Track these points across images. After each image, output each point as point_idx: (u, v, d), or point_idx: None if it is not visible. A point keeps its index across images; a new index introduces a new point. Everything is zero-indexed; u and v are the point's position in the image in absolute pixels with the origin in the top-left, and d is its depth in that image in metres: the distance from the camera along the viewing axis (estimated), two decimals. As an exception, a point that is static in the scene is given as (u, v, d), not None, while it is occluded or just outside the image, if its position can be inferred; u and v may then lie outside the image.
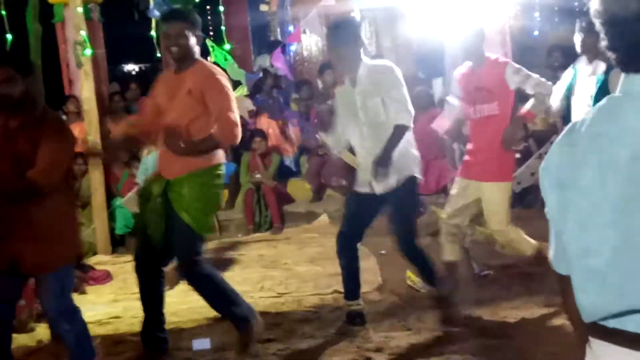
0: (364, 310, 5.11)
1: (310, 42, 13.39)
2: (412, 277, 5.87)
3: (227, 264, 7.27)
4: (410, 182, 4.83)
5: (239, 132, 4.36)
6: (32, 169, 3.68)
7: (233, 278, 6.61)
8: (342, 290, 5.59)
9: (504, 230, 5.18)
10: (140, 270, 4.57)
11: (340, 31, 4.74)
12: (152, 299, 4.60)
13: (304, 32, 9.09)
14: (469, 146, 5.35)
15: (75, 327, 4.06)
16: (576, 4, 13.72)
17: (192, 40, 4.33)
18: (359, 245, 5.11)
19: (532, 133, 8.27)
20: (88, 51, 5.92)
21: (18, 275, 3.90)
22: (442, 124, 5.65)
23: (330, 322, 5.17)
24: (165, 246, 4.42)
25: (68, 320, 4.02)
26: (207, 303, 4.63)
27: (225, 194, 9.56)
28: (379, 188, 4.80)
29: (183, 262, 4.50)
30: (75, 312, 4.07)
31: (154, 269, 4.56)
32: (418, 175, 4.90)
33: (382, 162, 4.62)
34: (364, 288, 5.82)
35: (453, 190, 5.37)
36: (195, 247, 4.41)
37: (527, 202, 8.35)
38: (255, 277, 6.60)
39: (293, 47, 12.35)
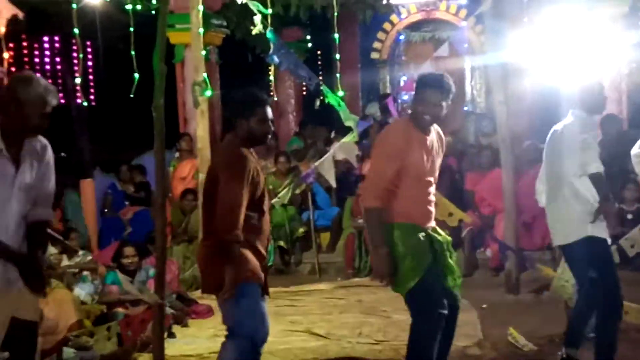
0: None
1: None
2: (514, 334, 5.74)
3: (326, 307, 7.29)
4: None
5: None
6: None
7: (331, 322, 6.65)
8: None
9: None
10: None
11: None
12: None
13: (416, 82, 9.14)
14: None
15: None
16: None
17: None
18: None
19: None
20: (208, 92, 6.13)
21: None
22: None
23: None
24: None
25: None
26: None
27: (327, 237, 9.66)
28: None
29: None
30: None
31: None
32: None
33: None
34: (463, 342, 5.75)
35: None
36: None
37: (636, 265, 8.06)
38: (353, 322, 6.59)
39: (406, 97, 12.44)
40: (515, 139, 7.74)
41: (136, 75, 7.04)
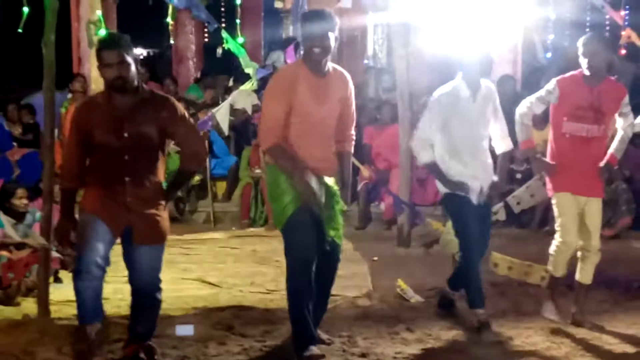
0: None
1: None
2: (402, 285, 5.88)
3: (219, 256, 7.27)
4: None
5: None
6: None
7: (224, 271, 6.65)
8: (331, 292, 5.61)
9: (599, 247, 5.13)
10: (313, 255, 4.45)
11: None
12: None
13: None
14: (566, 161, 5.08)
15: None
16: (588, 23, 13.77)
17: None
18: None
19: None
20: (102, 31, 5.90)
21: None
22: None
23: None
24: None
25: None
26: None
27: (223, 186, 9.60)
28: (477, 199, 5.10)
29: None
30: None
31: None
32: None
33: (498, 187, 5.23)
34: (353, 292, 5.86)
35: (563, 209, 5.12)
36: None
37: (523, 222, 8.39)
38: (247, 271, 6.61)
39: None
40: (414, 95, 7.84)
41: (25, 9, 6.70)
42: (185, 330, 4.86)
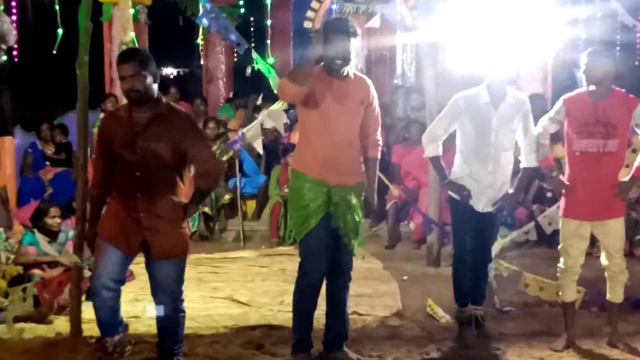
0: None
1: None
2: (433, 305, 5.84)
3: (249, 275, 7.28)
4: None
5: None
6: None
7: (254, 289, 6.65)
8: (360, 311, 5.61)
9: (624, 266, 5.03)
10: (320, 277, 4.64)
11: None
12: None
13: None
14: (579, 181, 5.00)
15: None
16: (618, 42, 13.68)
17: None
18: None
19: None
20: (134, 52, 5.99)
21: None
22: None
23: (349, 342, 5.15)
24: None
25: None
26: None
27: (253, 205, 9.63)
28: (481, 207, 5.20)
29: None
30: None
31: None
32: None
33: (511, 200, 5.26)
34: (383, 312, 5.83)
35: (566, 234, 5.08)
36: None
37: (554, 242, 8.28)
38: (276, 290, 6.60)
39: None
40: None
41: (59, 31, 6.84)
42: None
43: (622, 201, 5.03)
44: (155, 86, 4.25)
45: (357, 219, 4.55)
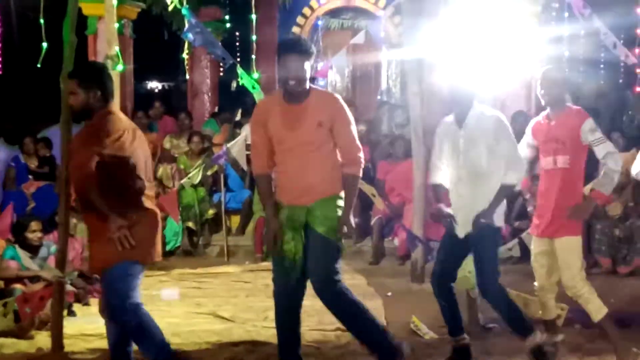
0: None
1: (335, 79, 13.50)
2: (417, 322, 5.84)
3: (232, 290, 7.26)
4: (494, 231, 4.91)
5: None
6: None
7: (237, 305, 6.63)
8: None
9: (572, 285, 4.98)
10: (291, 296, 4.64)
11: None
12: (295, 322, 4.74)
13: (331, 68, 9.18)
14: (541, 199, 5.07)
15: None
16: (602, 60, 13.78)
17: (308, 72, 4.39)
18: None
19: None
20: (120, 67, 5.97)
21: None
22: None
23: (332, 359, 5.13)
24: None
25: None
26: (342, 324, 4.74)
27: (237, 220, 9.61)
28: (461, 232, 4.91)
29: (324, 280, 4.53)
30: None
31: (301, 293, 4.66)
32: (502, 225, 5.01)
33: (485, 216, 4.78)
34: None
35: (534, 250, 5.13)
36: (335, 265, 4.52)
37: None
38: (260, 306, 6.57)
39: (322, 82, 12.44)
40: (427, 130, 7.83)
41: (44, 44, 6.82)
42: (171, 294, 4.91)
43: (573, 220, 4.95)
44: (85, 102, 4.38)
45: (309, 237, 4.48)
